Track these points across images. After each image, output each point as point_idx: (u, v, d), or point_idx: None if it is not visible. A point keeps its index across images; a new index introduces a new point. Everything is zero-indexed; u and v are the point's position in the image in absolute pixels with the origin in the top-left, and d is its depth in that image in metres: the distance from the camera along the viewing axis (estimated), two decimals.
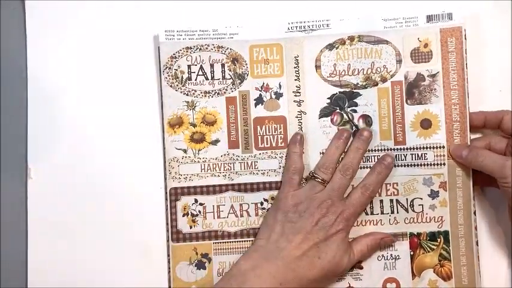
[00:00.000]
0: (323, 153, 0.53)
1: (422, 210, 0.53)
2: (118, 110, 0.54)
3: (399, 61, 0.53)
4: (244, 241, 0.53)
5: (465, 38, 0.53)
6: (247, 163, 0.53)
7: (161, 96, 0.53)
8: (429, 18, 0.53)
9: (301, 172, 0.52)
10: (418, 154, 0.53)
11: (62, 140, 0.54)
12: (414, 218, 0.53)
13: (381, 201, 0.53)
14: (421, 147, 0.53)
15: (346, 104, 0.53)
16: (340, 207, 0.50)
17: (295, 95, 0.54)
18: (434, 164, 0.53)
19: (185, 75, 0.53)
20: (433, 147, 0.53)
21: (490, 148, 0.52)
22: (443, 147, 0.53)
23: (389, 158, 0.52)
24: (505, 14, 0.54)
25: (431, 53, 0.53)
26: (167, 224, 0.53)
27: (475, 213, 0.52)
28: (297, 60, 0.54)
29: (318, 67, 0.53)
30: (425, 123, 0.53)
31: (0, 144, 0.54)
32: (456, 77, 0.53)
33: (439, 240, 0.52)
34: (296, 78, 0.54)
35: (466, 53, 0.53)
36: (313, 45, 0.53)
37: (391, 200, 0.53)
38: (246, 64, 0.54)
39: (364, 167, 0.53)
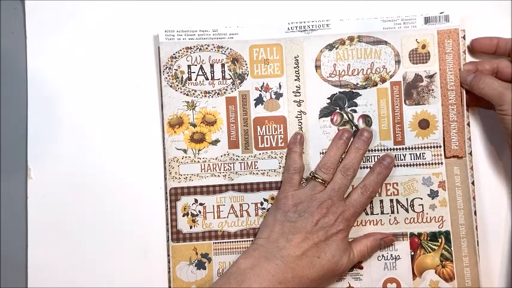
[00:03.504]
0: (323, 153, 0.56)
1: (423, 210, 0.55)
2: (118, 110, 0.57)
3: (398, 62, 0.56)
4: (244, 241, 0.55)
5: (464, 38, 0.55)
6: (247, 163, 0.56)
7: (161, 96, 0.56)
8: (427, 20, 0.56)
9: (301, 172, 0.54)
10: (416, 154, 0.55)
11: (62, 140, 0.56)
12: (414, 218, 0.55)
13: (381, 201, 0.55)
14: (419, 147, 0.55)
15: (346, 104, 0.56)
16: (341, 207, 0.53)
17: (295, 95, 0.56)
18: (432, 164, 0.55)
19: (185, 75, 0.56)
20: (431, 147, 0.55)
21: (497, 72, 0.54)
22: (440, 146, 0.55)
23: (388, 158, 0.55)
24: (505, 14, 0.57)
25: (428, 54, 0.56)
26: (167, 224, 0.55)
27: (475, 213, 0.55)
28: (297, 60, 0.56)
29: (317, 67, 0.56)
30: (423, 124, 0.56)
31: (0, 144, 0.57)
32: (453, 77, 0.55)
33: (440, 240, 0.55)
34: (296, 78, 0.56)
35: (465, 53, 0.55)
36: (313, 45, 0.56)
37: (391, 200, 0.55)
38: (246, 64, 0.56)
39: (364, 167, 0.55)
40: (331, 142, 0.55)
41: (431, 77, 0.56)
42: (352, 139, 0.55)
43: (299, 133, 0.56)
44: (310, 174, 0.54)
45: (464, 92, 0.55)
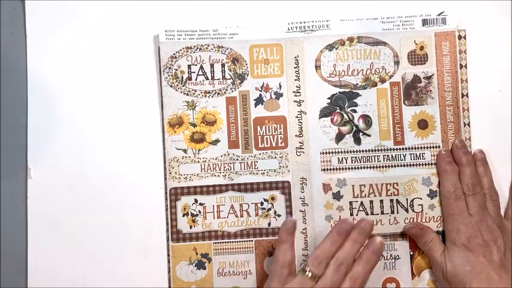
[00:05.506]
0: (323, 153, 0.57)
1: (422, 210, 0.57)
2: (118, 110, 0.58)
3: (397, 62, 0.57)
4: (244, 241, 0.56)
5: (465, 38, 0.57)
6: (247, 163, 0.57)
7: (161, 96, 0.57)
8: (424, 22, 0.57)
9: (291, 265, 0.51)
10: (416, 154, 0.57)
11: (62, 140, 0.57)
12: (414, 218, 0.57)
13: (381, 201, 0.57)
14: (419, 147, 0.57)
15: (346, 104, 0.58)
16: None
17: (295, 95, 0.58)
18: (431, 164, 0.57)
19: (185, 75, 0.57)
20: (430, 147, 0.57)
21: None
22: (439, 147, 0.57)
23: (377, 241, 0.52)
24: (505, 15, 0.58)
25: (426, 56, 0.57)
26: (167, 224, 0.56)
27: None
28: (297, 60, 0.58)
29: (318, 67, 0.58)
30: (422, 124, 0.57)
31: (0, 144, 0.58)
32: (450, 79, 0.57)
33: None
34: (296, 78, 0.58)
35: (465, 53, 0.57)
36: (313, 45, 0.57)
37: (391, 200, 0.57)
38: (246, 64, 0.58)
39: (362, 167, 0.57)
40: (328, 233, 0.53)
41: (429, 78, 0.57)
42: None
43: (292, 220, 0.53)
44: (301, 266, 0.52)
45: (460, 94, 0.57)
